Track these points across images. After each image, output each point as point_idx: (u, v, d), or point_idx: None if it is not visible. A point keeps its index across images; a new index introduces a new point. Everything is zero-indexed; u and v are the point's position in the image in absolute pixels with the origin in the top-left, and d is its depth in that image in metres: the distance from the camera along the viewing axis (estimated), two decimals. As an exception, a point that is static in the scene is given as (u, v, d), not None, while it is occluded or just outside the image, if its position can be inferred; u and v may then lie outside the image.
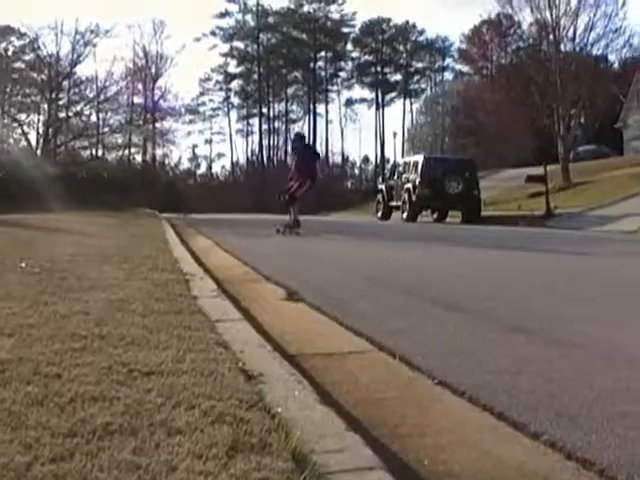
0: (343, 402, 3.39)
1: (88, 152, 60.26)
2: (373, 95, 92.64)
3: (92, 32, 55.98)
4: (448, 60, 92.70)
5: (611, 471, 2.55)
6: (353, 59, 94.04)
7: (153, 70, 73.85)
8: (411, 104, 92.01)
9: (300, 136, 21.64)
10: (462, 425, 3.12)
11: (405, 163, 35.67)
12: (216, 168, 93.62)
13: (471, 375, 3.81)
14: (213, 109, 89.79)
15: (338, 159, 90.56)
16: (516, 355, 4.30)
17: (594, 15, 42.18)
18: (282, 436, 2.57)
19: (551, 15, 42.20)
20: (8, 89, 53.65)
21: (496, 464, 2.67)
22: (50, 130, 53.28)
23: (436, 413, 3.30)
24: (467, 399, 3.41)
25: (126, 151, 67.34)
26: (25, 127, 54.52)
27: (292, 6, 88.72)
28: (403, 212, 32.72)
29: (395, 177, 35.40)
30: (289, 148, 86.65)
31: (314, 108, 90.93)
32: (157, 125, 71.13)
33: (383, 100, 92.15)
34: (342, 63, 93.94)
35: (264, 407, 2.91)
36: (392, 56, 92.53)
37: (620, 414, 3.16)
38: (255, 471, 2.28)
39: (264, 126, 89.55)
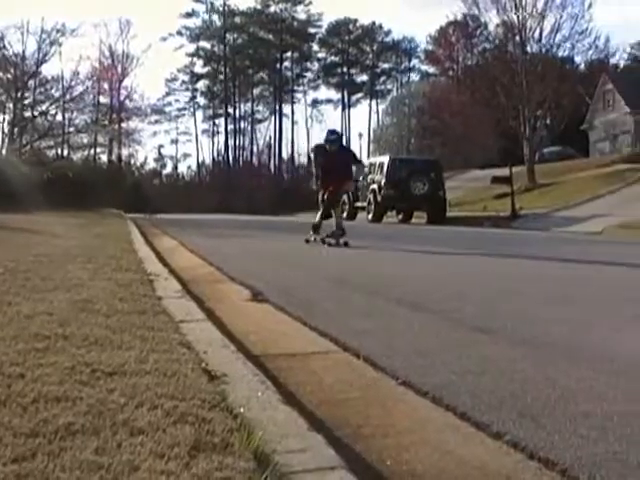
0: (306, 402, 3.39)
1: (53, 152, 59.88)
2: (339, 96, 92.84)
3: (58, 31, 55.50)
4: (414, 61, 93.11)
5: (573, 471, 2.56)
6: (319, 60, 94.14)
7: (119, 70, 73.33)
8: (377, 105, 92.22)
9: (338, 135, 17.15)
10: (425, 425, 3.13)
11: (371, 164, 35.57)
12: (182, 168, 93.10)
13: (435, 375, 3.82)
14: (179, 109, 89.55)
15: (304, 160, 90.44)
16: (480, 355, 4.32)
17: (560, 17, 42.69)
18: (244, 436, 2.57)
19: (517, 16, 42.60)
20: (-27, 88, 53.13)
21: (459, 464, 2.68)
22: (15, 130, 52.92)
23: (399, 413, 3.30)
24: (430, 399, 3.43)
25: (92, 151, 67.08)
26: (-10, 127, 54.14)
27: (259, 6, 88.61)
28: (368, 213, 32.75)
29: (361, 178, 35.39)
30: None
31: (280, 108, 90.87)
32: (123, 125, 70.71)
33: (349, 101, 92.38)
34: (308, 64, 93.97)
35: (227, 407, 2.91)
36: (358, 57, 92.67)
37: (583, 414, 3.18)
38: (217, 471, 2.28)
39: (230, 126, 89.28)
